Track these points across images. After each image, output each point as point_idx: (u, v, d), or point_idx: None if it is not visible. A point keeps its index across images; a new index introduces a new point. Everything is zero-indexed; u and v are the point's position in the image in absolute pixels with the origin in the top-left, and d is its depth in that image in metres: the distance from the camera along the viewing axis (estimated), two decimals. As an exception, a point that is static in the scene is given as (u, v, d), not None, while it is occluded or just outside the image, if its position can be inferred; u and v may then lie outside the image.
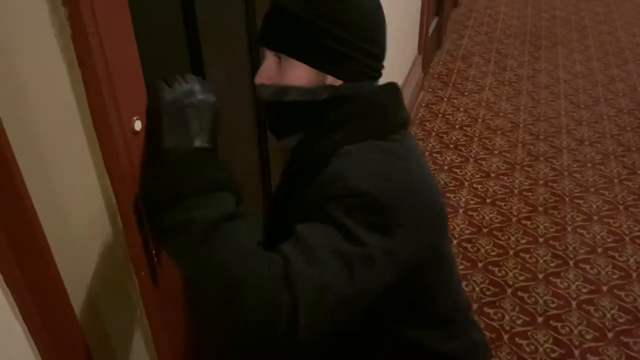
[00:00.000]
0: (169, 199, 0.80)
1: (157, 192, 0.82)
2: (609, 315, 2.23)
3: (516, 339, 2.13)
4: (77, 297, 0.81)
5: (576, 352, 2.07)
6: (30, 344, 0.72)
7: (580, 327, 2.17)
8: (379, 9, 0.97)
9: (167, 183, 0.81)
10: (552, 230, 2.69)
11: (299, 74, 0.93)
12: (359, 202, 0.81)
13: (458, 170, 3.15)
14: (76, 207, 0.79)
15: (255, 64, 1.49)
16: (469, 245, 2.59)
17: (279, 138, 1.01)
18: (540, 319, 2.21)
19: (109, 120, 0.78)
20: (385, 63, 1.01)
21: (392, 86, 1.02)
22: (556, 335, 2.14)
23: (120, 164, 0.82)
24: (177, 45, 1.16)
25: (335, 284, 0.77)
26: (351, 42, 0.91)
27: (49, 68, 0.71)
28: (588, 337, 2.13)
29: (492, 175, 3.11)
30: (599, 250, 2.57)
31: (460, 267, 2.47)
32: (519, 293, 2.33)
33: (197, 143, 0.85)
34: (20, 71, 0.66)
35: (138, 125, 0.84)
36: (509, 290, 2.35)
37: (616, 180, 3.06)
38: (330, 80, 0.93)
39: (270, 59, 0.95)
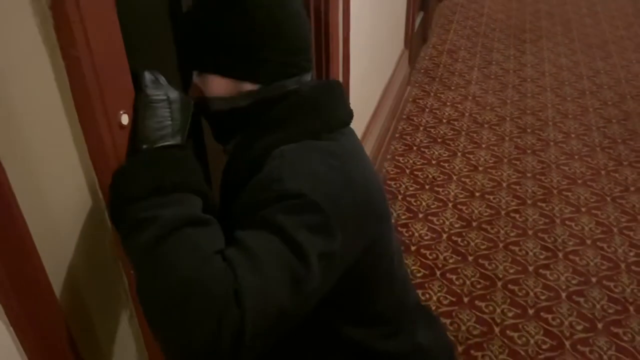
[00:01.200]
0: (138, 192, 0.76)
1: (127, 184, 0.78)
2: (598, 306, 2.24)
3: (507, 331, 2.13)
4: (64, 297, 0.79)
5: (567, 343, 2.08)
6: (16, 346, 0.70)
7: (570, 319, 2.18)
8: (284, 2, 0.92)
9: (140, 177, 0.78)
10: (541, 222, 2.70)
11: (216, 85, 0.93)
12: (297, 204, 0.79)
13: (446, 164, 3.15)
14: (62, 204, 0.77)
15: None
16: (458, 239, 2.59)
17: (222, 144, 1.01)
18: (531, 311, 2.21)
19: (95, 114, 0.75)
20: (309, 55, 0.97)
21: (329, 83, 0.99)
22: (547, 327, 2.15)
23: (107, 159, 0.79)
24: (163, 37, 1.14)
25: (280, 297, 0.74)
26: (254, 44, 0.89)
27: (30, 60, 0.68)
28: (578, 328, 2.14)
29: (480, 168, 3.12)
30: (588, 241, 2.58)
31: (451, 260, 2.47)
32: (510, 286, 2.34)
33: (178, 139, 0.84)
34: (1, 65, 0.63)
35: (125, 119, 0.81)
36: (500, 283, 2.35)
37: (603, 172, 3.08)
38: (249, 86, 0.92)
39: (195, 74, 0.96)
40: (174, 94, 0.85)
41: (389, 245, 1.00)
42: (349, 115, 0.99)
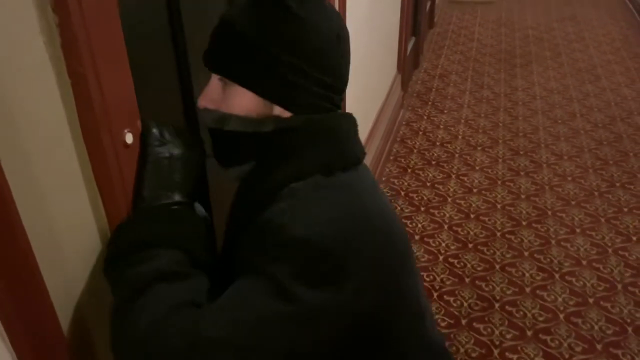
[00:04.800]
0: (117, 251, 0.80)
1: (112, 243, 0.82)
2: (596, 327, 2.23)
3: (506, 353, 2.12)
4: (65, 317, 0.78)
5: (567, 365, 2.07)
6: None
7: (569, 340, 2.17)
8: (340, 36, 0.85)
9: (123, 235, 0.81)
10: (536, 243, 2.70)
11: (244, 102, 0.83)
12: (298, 254, 0.73)
13: (441, 187, 3.16)
14: (65, 221, 0.76)
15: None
16: (455, 261, 2.59)
17: (224, 167, 0.91)
18: (529, 333, 2.20)
19: (100, 132, 0.75)
20: (343, 96, 0.91)
21: (346, 118, 0.90)
22: (546, 348, 2.13)
23: (111, 178, 0.79)
24: (164, 53, 1.14)
25: (257, 348, 0.71)
26: (304, 71, 0.81)
27: (37, 78, 0.68)
28: (577, 349, 2.13)
29: (475, 190, 3.13)
30: (584, 262, 2.58)
31: (448, 282, 2.46)
32: (507, 307, 2.33)
33: (175, 197, 0.85)
34: (6, 81, 0.63)
35: (129, 138, 0.81)
36: (497, 305, 2.34)
37: (596, 193, 3.10)
38: (278, 110, 0.83)
39: (215, 81, 0.86)
40: (177, 151, 0.86)
41: (415, 299, 0.89)
42: (363, 151, 0.91)
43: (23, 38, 0.65)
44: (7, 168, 0.62)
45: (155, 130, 0.86)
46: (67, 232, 0.77)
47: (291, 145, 0.83)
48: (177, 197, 0.85)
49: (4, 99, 0.63)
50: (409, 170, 3.31)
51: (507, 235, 2.76)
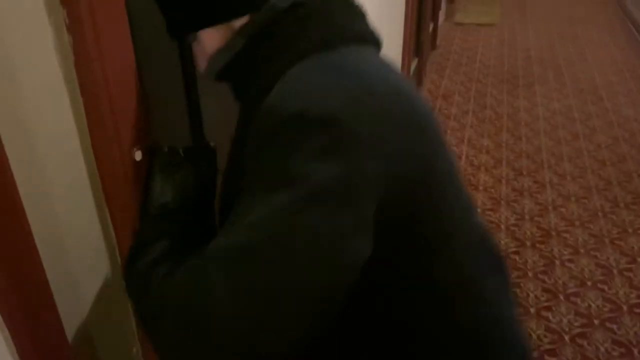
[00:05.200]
0: (129, 261, 0.77)
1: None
2: (602, 349, 2.21)
3: (512, 375, 2.09)
4: (72, 332, 0.78)
5: (573, 388, 2.04)
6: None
7: (575, 362, 2.15)
8: None
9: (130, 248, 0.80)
10: (540, 264, 2.69)
11: (209, 40, 0.77)
12: (294, 128, 0.62)
13: (444, 206, 3.16)
14: (75, 238, 0.77)
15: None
16: (459, 281, 2.57)
17: (241, 102, 0.82)
18: (534, 354, 2.18)
19: (110, 149, 0.77)
20: None
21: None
22: (551, 370, 2.12)
23: (120, 194, 0.80)
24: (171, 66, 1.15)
25: (279, 252, 0.60)
26: None
27: (52, 96, 0.70)
28: (583, 371, 2.11)
29: (479, 211, 3.12)
30: (589, 283, 2.57)
31: (452, 303, 2.44)
32: (512, 328, 2.31)
33: (175, 208, 0.83)
34: (23, 99, 0.65)
35: (138, 156, 0.82)
36: (502, 326, 2.32)
37: (600, 214, 3.09)
38: (237, 24, 0.74)
39: (193, 44, 0.82)
40: (184, 165, 0.85)
41: (457, 186, 0.77)
42: (373, 35, 0.79)
43: (38, 57, 0.67)
44: (20, 186, 0.63)
45: (163, 147, 0.87)
46: (76, 245, 0.78)
47: (277, 37, 0.73)
48: (182, 209, 0.85)
49: (19, 115, 0.64)
50: (413, 190, 3.31)
51: (511, 256, 2.75)
